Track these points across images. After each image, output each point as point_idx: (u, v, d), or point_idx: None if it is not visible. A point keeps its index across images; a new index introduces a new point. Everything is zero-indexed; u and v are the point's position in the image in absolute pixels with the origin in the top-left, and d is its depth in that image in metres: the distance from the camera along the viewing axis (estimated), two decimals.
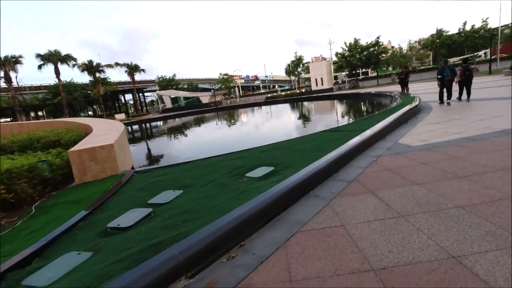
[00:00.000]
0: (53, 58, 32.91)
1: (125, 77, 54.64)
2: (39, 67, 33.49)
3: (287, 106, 31.27)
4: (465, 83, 10.32)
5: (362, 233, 2.63)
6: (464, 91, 10.55)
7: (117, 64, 41.69)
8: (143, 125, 33.99)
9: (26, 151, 6.51)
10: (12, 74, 30.56)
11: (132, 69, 43.78)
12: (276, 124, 17.04)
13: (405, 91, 18.34)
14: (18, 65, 29.88)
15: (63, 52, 34.51)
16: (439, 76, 10.52)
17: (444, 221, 2.62)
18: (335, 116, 16.02)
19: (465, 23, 50.35)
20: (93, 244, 2.91)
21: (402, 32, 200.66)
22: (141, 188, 4.46)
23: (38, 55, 32.65)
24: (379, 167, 4.34)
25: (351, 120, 11.76)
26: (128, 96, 65.32)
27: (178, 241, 2.50)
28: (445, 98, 10.63)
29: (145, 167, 6.03)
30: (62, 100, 35.56)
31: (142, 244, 2.62)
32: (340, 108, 21.35)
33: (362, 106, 19.40)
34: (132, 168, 7.86)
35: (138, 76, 52.07)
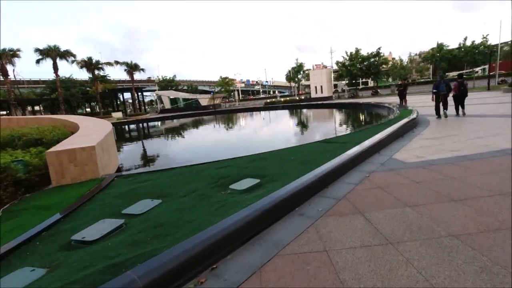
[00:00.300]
0: (52, 53, 32.67)
1: (126, 76, 54.54)
2: (37, 61, 33.23)
3: (285, 112, 31.13)
4: (460, 98, 10.63)
5: (346, 261, 2.38)
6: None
7: (116, 62, 41.52)
8: (140, 125, 33.70)
9: (6, 148, 6.22)
10: (9, 68, 30.35)
11: (132, 68, 43.61)
12: (271, 131, 16.70)
13: (403, 103, 18.26)
14: (16, 58, 29.57)
15: (63, 48, 34.27)
16: (434, 91, 10.80)
17: (436, 252, 2.39)
18: (331, 125, 15.81)
19: (465, 39, 50.81)
20: (51, 259, 2.64)
21: (403, 44, 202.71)
22: (119, 195, 4.20)
23: (37, 50, 32.39)
24: (371, 185, 4.12)
25: (346, 131, 11.49)
26: (128, 95, 64.91)
27: (141, 262, 2.25)
28: (441, 111, 10.81)
29: (128, 172, 5.76)
30: (59, 96, 35.23)
31: (103, 263, 2.37)
32: (337, 117, 21.28)
33: (360, 117, 19.26)
34: (118, 170, 7.60)
35: (139, 76, 51.99)
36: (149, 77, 79.75)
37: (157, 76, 79.99)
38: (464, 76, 11.85)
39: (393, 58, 69.13)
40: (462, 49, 52.31)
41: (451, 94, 10.68)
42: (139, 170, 5.56)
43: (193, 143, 14.54)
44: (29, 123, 12.22)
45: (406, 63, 59.11)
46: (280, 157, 5.44)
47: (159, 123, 34.73)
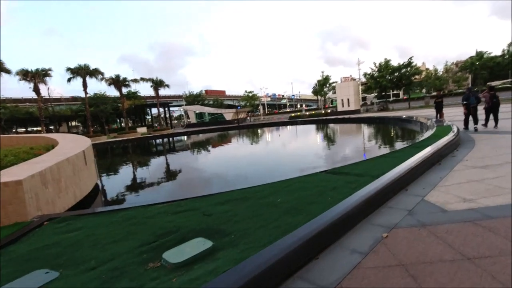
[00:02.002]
0: (81, 71, 34.01)
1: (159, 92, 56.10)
2: (69, 80, 34.77)
3: (306, 128, 29.37)
4: (493, 110, 10.39)
5: None
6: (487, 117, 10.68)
7: (142, 79, 42.58)
8: (160, 140, 33.71)
9: None
10: (43, 87, 31.98)
11: (157, 84, 44.52)
12: (279, 152, 14.39)
13: (440, 116, 15.98)
14: (47, 78, 31.05)
15: (104, 68, 35.67)
16: (464, 102, 10.91)
17: None
18: (349, 146, 13.70)
19: (510, 44, 46.23)
20: None
21: (437, 54, 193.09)
22: (20, 256, 3.01)
23: (68, 69, 33.91)
24: (388, 258, 2.56)
25: (365, 156, 9.47)
26: (156, 110, 66.53)
27: None
28: (471, 124, 10.74)
29: (65, 213, 4.61)
30: (86, 112, 36.41)
31: None
32: (358, 135, 19.19)
33: (386, 134, 17.04)
34: (89, 198, 6.59)
35: (168, 91, 53.18)
36: (184, 93, 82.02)
37: (184, 92, 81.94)
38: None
39: (427, 69, 64.83)
40: (506, 56, 47.60)
41: (482, 107, 10.69)
42: (81, 211, 4.36)
43: (192, 165, 13.09)
44: (20, 142, 11.84)
45: (441, 72, 54.96)
46: (264, 197, 4.01)
47: (180, 138, 34.52)
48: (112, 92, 49.99)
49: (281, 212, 3.34)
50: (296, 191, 4.10)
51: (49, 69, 31.01)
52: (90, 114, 44.99)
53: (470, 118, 10.82)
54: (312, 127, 29.58)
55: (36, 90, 30.46)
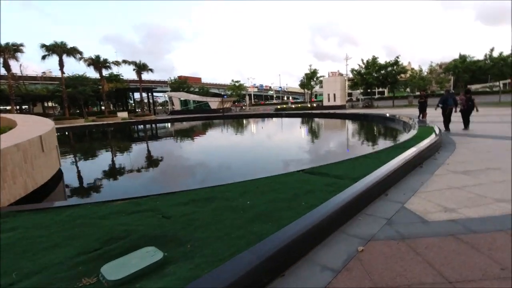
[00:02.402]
0: (57, 49, 32.06)
1: (145, 76, 53.90)
2: (43, 57, 32.69)
3: (290, 121, 29.08)
4: (467, 113, 10.90)
5: None
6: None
7: (124, 61, 40.78)
8: (141, 126, 32.58)
9: None
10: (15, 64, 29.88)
11: (140, 67, 42.84)
12: (258, 147, 13.39)
13: (423, 117, 16.09)
14: (19, 53, 29.02)
15: (85, 48, 33.71)
16: (441, 105, 11.31)
17: None
18: (330, 143, 13.20)
19: (492, 49, 47.48)
20: None
21: (424, 55, 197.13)
22: None
23: (43, 45, 31.86)
24: (362, 277, 2.26)
25: (345, 155, 8.77)
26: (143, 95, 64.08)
27: None
28: (453, 126, 11.23)
29: (5, 208, 4.05)
30: (63, 93, 34.57)
31: None
32: (342, 132, 18.85)
33: (369, 133, 16.92)
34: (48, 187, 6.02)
35: (153, 76, 51.43)
36: (169, 78, 79.31)
37: (170, 77, 79.62)
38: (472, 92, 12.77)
39: (413, 68, 65.88)
40: (488, 61, 48.89)
41: (458, 109, 11.21)
42: (23, 207, 3.84)
43: (167, 157, 12.10)
44: None
45: (425, 73, 55.98)
46: (233, 198, 3.63)
47: (161, 125, 33.48)
48: (94, 73, 47.88)
49: (248, 218, 2.97)
50: (268, 193, 3.74)
51: (21, 45, 28.96)
52: (67, 96, 42.92)
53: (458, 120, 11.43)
54: (297, 120, 29.35)
55: (6, 66, 28.45)
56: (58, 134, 26.02)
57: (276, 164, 8.74)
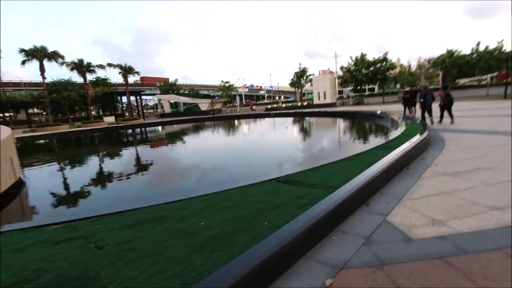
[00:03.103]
0: (37, 54, 31.02)
1: (132, 79, 52.66)
2: (23, 62, 31.63)
3: (278, 121, 28.51)
4: (447, 107, 11.41)
5: None
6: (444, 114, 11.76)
7: (109, 64, 39.83)
8: (128, 131, 31.73)
9: None
10: None
11: (126, 70, 41.87)
12: (238, 152, 12.21)
13: (411, 113, 15.81)
14: None
15: (74, 52, 32.66)
16: (422, 100, 12.10)
17: None
18: (314, 144, 12.25)
19: (478, 43, 47.92)
20: None
21: (412, 50, 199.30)
22: None
23: (22, 50, 30.76)
24: None
25: (329, 158, 7.57)
26: (131, 98, 62.59)
27: None
28: (428, 120, 12.03)
29: None
30: (45, 99, 33.52)
31: None
32: (328, 132, 18.09)
33: (356, 132, 16.13)
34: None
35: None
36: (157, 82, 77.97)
37: (157, 81, 78.60)
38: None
39: (402, 64, 66.20)
40: (475, 55, 49.37)
41: (437, 104, 11.89)
42: None
43: (142, 165, 10.88)
44: None
45: (414, 69, 56.26)
46: (187, 217, 3.09)
47: (149, 129, 32.65)
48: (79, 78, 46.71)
49: (195, 246, 2.44)
50: (229, 209, 3.22)
51: None
52: (52, 101, 41.80)
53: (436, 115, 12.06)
54: (286, 120, 28.84)
55: None
56: (44, 141, 25.31)
57: (254, 170, 7.99)
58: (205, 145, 15.98)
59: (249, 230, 2.64)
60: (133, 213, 3.36)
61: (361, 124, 18.69)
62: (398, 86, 62.60)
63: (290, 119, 29.41)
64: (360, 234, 2.88)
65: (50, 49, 31.56)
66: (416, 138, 6.50)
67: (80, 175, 9.72)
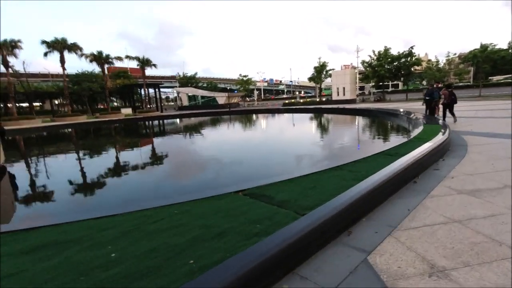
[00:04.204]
0: (58, 45, 31.66)
1: (152, 72, 53.09)
2: (45, 54, 32.40)
3: (289, 117, 27.28)
4: (450, 106, 11.24)
5: None
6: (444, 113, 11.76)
7: (127, 57, 40.25)
8: (142, 123, 31.89)
9: None
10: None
11: (143, 63, 42.17)
12: (225, 153, 10.67)
13: (435, 113, 14.29)
14: (18, 49, 28.71)
15: (101, 44, 33.31)
16: (427, 98, 12.33)
17: None
18: (309, 147, 10.65)
19: None
20: None
21: (445, 45, 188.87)
22: None
23: (44, 42, 31.52)
24: None
25: (316, 165, 6.82)
26: (151, 91, 63.02)
27: None
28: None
29: None
30: (64, 90, 34.32)
31: None
32: (334, 131, 15.69)
33: (364, 132, 14.42)
34: None
35: (162, 71, 50.69)
36: (178, 74, 78.48)
37: (178, 73, 79.22)
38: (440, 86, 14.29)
39: (429, 60, 62.41)
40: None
41: (441, 102, 11.91)
42: None
43: (136, 163, 9.58)
44: None
45: (443, 64, 52.77)
46: (104, 242, 2.40)
47: (162, 121, 32.63)
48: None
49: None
50: (160, 234, 2.50)
51: (18, 41, 28.61)
52: (73, 92, 42.91)
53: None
54: (298, 116, 27.63)
55: (5, 63, 28.20)
56: (64, 131, 25.73)
57: (229, 176, 7.01)
58: (197, 143, 14.68)
59: (160, 274, 1.91)
60: (44, 231, 2.72)
61: (374, 124, 16.99)
62: (424, 82, 59.16)
63: (303, 115, 28.17)
64: (322, 285, 2.06)
65: (78, 42, 32.40)
66: (430, 143, 5.47)
67: (76, 169, 9.38)
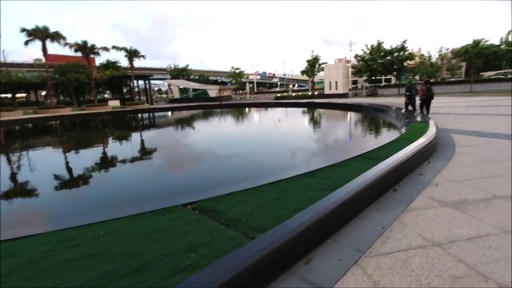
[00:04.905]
0: (39, 34, 30.31)
1: (142, 63, 51.49)
2: (26, 43, 31.03)
3: (277, 112, 26.51)
4: (427, 102, 11.84)
5: None
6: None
7: (114, 47, 38.80)
8: (130, 116, 31.02)
9: None
10: None
11: (131, 54, 40.89)
12: (199, 153, 9.33)
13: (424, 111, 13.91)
14: None
15: (93, 35, 31.96)
16: (407, 94, 13.10)
17: None
18: (286, 147, 9.39)
19: (509, 33, 43.97)
20: None
21: (437, 40, 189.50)
22: None
23: (23, 30, 30.12)
24: None
25: (289, 170, 4.73)
26: (142, 83, 61.18)
27: None
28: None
29: None
30: (47, 81, 33.08)
31: None
32: (314, 129, 14.18)
33: (347, 131, 13.11)
34: None
35: (152, 63, 49.39)
36: (169, 66, 76.77)
37: (169, 65, 77.72)
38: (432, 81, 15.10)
39: (422, 55, 62.24)
40: (504, 45, 45.46)
41: (417, 97, 12.54)
42: None
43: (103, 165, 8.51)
44: None
45: (435, 59, 52.66)
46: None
47: (147, 115, 31.74)
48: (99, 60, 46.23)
49: None
50: (70, 265, 1.99)
51: None
52: (59, 83, 41.51)
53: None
54: (287, 111, 27.05)
55: None
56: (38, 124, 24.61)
57: (194, 182, 6.09)
58: (170, 139, 13.67)
59: None
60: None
61: (360, 121, 16.12)
62: (417, 77, 59.10)
63: (292, 110, 27.56)
64: None
65: (70, 31, 31.10)
66: (415, 145, 5.03)
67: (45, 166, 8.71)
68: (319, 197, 2.95)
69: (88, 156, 10.06)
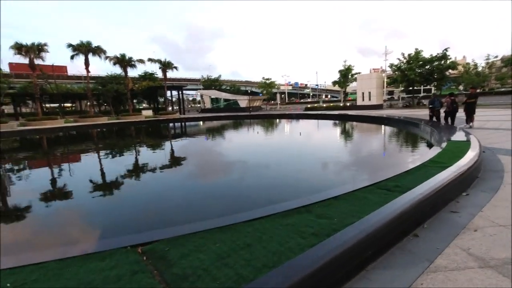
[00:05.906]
0: (82, 48, 32.60)
1: (179, 74, 53.77)
2: (71, 57, 33.53)
3: (303, 124, 25.15)
4: (451, 114, 11.64)
5: None
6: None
7: (150, 59, 40.73)
8: (161, 125, 31.95)
9: None
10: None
11: (165, 65, 42.54)
12: (208, 174, 8.13)
13: (469, 122, 12.32)
14: (44, 53, 29.89)
15: (133, 48, 34.33)
16: (430, 106, 12.91)
17: None
18: (292, 168, 8.06)
19: None
20: None
21: (483, 47, 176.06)
22: None
23: (70, 45, 32.60)
24: None
25: (303, 193, 4.54)
26: (175, 93, 63.49)
27: None
28: None
29: None
30: (88, 92, 35.31)
31: None
32: (337, 146, 11.98)
33: (375, 147, 11.15)
34: None
35: (186, 74, 51.50)
36: (202, 76, 79.83)
37: (202, 75, 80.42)
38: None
39: (467, 63, 57.56)
40: None
41: (442, 110, 12.33)
42: None
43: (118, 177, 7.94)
44: None
45: (482, 68, 48.37)
46: None
47: (178, 124, 32.45)
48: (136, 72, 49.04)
49: None
50: None
51: (45, 44, 29.74)
52: (99, 94, 44.46)
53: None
54: (314, 123, 25.79)
55: (31, 65, 29.39)
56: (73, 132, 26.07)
57: (173, 209, 5.12)
58: (182, 152, 12.72)
59: None
60: None
61: (388, 136, 14.01)
62: (461, 87, 54.70)
63: (318, 122, 26.19)
64: None
65: (113, 46, 33.40)
66: (449, 172, 4.05)
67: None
68: (303, 247, 2.22)
69: (86, 167, 9.86)
